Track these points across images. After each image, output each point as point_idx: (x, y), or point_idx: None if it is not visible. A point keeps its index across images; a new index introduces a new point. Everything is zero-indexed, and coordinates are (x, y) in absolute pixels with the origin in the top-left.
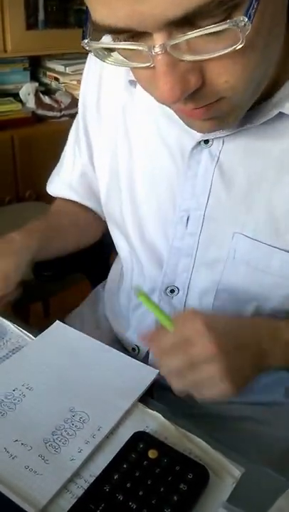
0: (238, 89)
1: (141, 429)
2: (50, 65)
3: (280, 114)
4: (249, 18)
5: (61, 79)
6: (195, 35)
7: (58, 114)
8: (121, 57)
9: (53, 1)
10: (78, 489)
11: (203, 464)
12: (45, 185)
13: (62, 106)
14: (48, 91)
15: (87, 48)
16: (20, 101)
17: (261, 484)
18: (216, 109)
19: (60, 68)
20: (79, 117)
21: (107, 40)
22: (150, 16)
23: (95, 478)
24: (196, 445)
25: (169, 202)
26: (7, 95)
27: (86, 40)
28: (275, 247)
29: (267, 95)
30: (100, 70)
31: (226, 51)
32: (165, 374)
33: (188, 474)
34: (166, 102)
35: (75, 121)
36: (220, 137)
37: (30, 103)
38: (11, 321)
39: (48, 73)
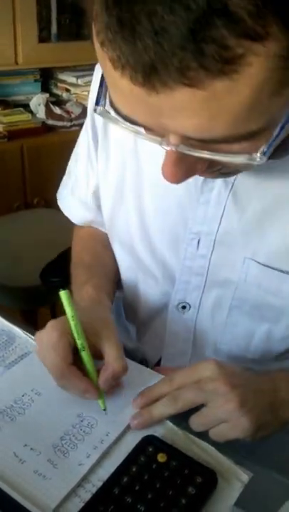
0: None
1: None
2: (62, 76)
3: None
4: (266, 153)
5: (72, 90)
6: (208, 156)
7: (68, 123)
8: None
9: (66, 14)
10: (86, 493)
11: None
12: (54, 192)
13: (73, 116)
14: (59, 102)
15: (99, 115)
16: (31, 111)
17: (269, 488)
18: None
19: (71, 79)
20: (89, 134)
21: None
22: (172, 129)
23: (103, 482)
24: (203, 450)
25: (180, 223)
26: (17, 106)
27: (100, 107)
28: (286, 273)
29: None
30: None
31: (240, 160)
32: (179, 409)
33: (196, 478)
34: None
35: (83, 137)
36: None
37: (41, 113)
38: (19, 327)
39: (60, 84)
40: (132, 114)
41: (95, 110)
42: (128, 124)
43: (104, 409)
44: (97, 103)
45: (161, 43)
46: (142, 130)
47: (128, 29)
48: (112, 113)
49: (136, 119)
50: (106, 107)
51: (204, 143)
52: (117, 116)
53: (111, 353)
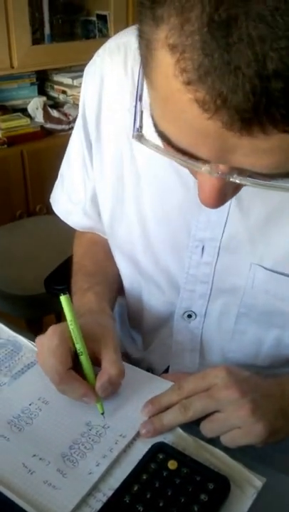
0: None
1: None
2: (58, 78)
3: None
4: None
5: (69, 91)
6: (260, 187)
7: (67, 127)
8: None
9: (59, 14)
10: (97, 503)
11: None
12: None
13: (71, 118)
14: (56, 104)
15: (137, 140)
16: (29, 116)
17: (284, 494)
18: None
19: (67, 81)
20: (82, 137)
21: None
22: (236, 164)
23: (113, 491)
24: (215, 456)
25: (182, 230)
26: (15, 111)
27: (137, 133)
28: None
29: None
30: (99, 89)
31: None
32: (190, 418)
33: (209, 485)
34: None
35: (74, 140)
36: None
37: (39, 117)
38: (25, 336)
39: (56, 86)
40: (194, 148)
41: (133, 136)
42: (175, 153)
43: (102, 413)
44: (138, 129)
45: (271, 90)
46: (186, 157)
47: (235, 72)
48: (152, 144)
49: (195, 153)
50: (143, 131)
51: (263, 175)
52: (166, 146)
53: (107, 358)
